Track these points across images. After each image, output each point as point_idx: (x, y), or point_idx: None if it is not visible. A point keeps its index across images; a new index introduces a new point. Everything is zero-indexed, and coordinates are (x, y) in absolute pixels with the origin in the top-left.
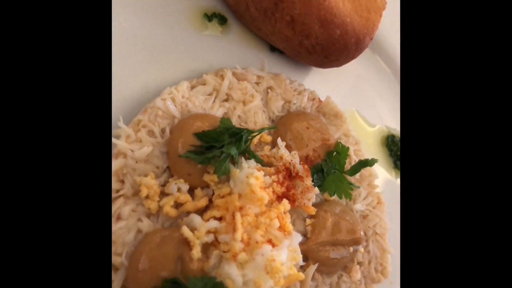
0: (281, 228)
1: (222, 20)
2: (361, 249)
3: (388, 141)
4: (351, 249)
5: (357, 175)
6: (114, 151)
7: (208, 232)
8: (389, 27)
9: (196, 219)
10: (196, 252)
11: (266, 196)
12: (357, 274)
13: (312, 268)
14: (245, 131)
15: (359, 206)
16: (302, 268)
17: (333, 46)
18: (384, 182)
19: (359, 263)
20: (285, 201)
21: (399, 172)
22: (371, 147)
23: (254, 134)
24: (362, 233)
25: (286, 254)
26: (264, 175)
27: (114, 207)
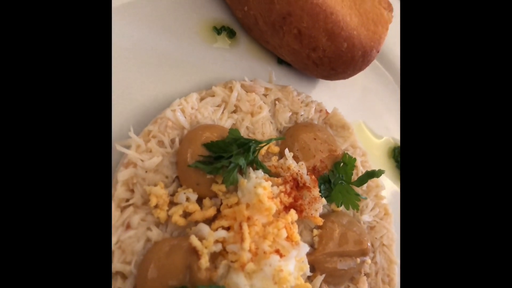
0: (289, 238)
1: (231, 33)
2: (368, 260)
3: (395, 153)
4: (358, 260)
5: (364, 186)
6: (124, 160)
7: (216, 241)
8: (395, 40)
9: (204, 228)
10: (205, 262)
11: (273, 206)
12: (364, 286)
13: (319, 279)
14: (253, 141)
15: (366, 217)
16: (309, 279)
17: (340, 59)
18: (391, 194)
19: (366, 275)
20: (292, 211)
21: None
22: (378, 158)
23: (262, 144)
24: (369, 244)
25: (294, 264)
26: (272, 186)
27: (124, 216)
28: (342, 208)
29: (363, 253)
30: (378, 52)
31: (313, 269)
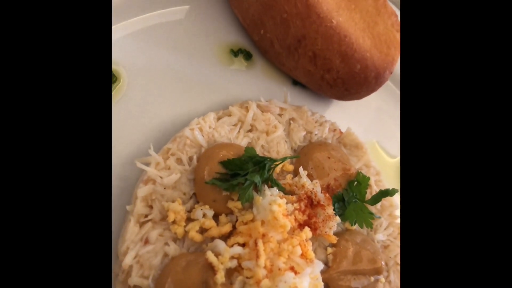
0: (303, 255)
1: (247, 56)
2: (382, 279)
3: None
4: (372, 278)
5: (378, 205)
6: (144, 177)
7: (232, 258)
8: None
9: (220, 244)
10: (220, 277)
11: (288, 223)
12: None
13: None
14: (268, 159)
15: (380, 236)
16: None
17: (354, 80)
18: None
19: None
20: (306, 228)
21: None
22: (392, 178)
23: (277, 162)
24: (383, 263)
25: (308, 281)
26: (286, 203)
27: (142, 231)
28: (356, 226)
29: (377, 271)
30: (391, 73)
31: (327, 287)
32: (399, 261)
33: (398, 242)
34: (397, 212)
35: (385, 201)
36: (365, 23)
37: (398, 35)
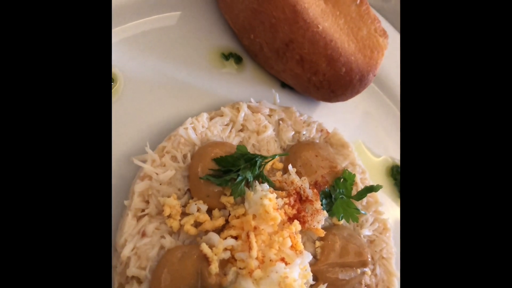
0: (293, 247)
1: (238, 60)
2: (368, 271)
3: (393, 171)
4: (359, 271)
5: (364, 202)
6: (140, 174)
7: (225, 249)
8: (391, 65)
9: (214, 237)
10: (214, 267)
11: (278, 216)
12: None
13: (322, 287)
14: (259, 157)
15: (366, 231)
16: None
17: (339, 82)
18: (389, 210)
19: (367, 286)
20: (296, 222)
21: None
22: (377, 176)
23: (267, 160)
24: (369, 257)
25: (298, 272)
26: (276, 198)
27: (140, 225)
28: (343, 222)
29: (363, 264)
30: (374, 75)
31: (316, 278)
32: (384, 255)
33: (383, 237)
34: (382, 209)
35: (371, 198)
36: (349, 28)
37: (381, 40)
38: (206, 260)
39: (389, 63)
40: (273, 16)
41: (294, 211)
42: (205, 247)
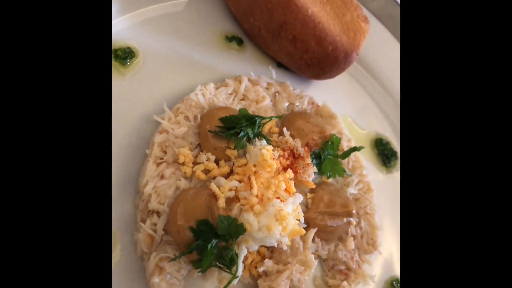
0: (287, 190)
1: (240, 42)
2: (353, 221)
3: (377, 143)
4: (345, 220)
5: (350, 166)
6: (159, 129)
7: (230, 189)
8: (374, 49)
9: (221, 180)
10: (222, 203)
11: (274, 163)
12: (351, 244)
13: (312, 231)
14: (258, 117)
15: (352, 190)
16: (305, 235)
17: (327, 59)
18: (373, 177)
19: (353, 236)
20: (289, 170)
21: (384, 169)
22: (361, 144)
23: (265, 120)
24: (354, 211)
25: (291, 208)
26: (273, 150)
27: (159, 169)
28: (331, 180)
29: (348, 214)
30: (357, 54)
31: (307, 225)
32: (368, 211)
33: (367, 195)
34: (366, 172)
35: (356, 163)
36: (335, 14)
37: (363, 24)
38: (214, 197)
39: (372, 47)
40: (269, 1)
41: (288, 162)
42: (213, 186)
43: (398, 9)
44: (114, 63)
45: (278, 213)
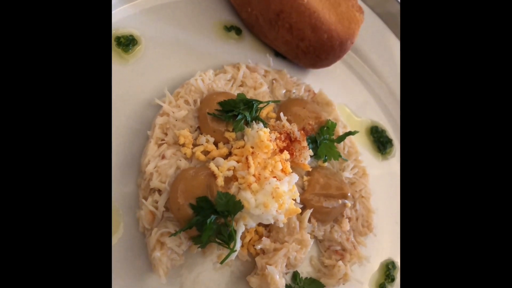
0: (283, 170)
1: (238, 31)
2: (348, 203)
3: (372, 130)
4: (340, 201)
5: (346, 151)
6: (160, 111)
7: (229, 169)
8: (368, 39)
9: (220, 160)
10: (220, 181)
11: (271, 144)
12: (346, 225)
13: (308, 212)
14: (256, 101)
15: (347, 174)
16: (301, 215)
17: (322, 47)
18: (369, 163)
19: (348, 218)
20: (285, 151)
21: (380, 155)
22: (357, 134)
23: (263, 104)
24: (349, 194)
25: (287, 187)
26: (270, 133)
27: (160, 150)
28: (327, 164)
29: (344, 196)
30: (352, 43)
31: (303, 206)
32: (363, 194)
33: (362, 180)
34: (361, 158)
35: (351, 148)
36: (330, 4)
37: (357, 14)
38: (213, 176)
39: (368, 37)
40: None
41: (284, 144)
42: (212, 166)
43: (394, 3)
44: (117, 50)
45: (275, 191)
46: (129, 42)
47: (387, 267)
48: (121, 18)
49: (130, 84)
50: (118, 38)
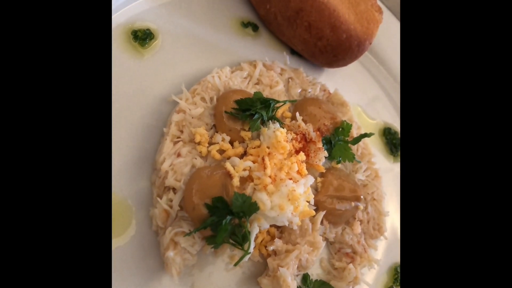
0: (299, 172)
1: (255, 27)
2: (360, 206)
3: (385, 132)
4: (353, 204)
5: (359, 153)
6: (176, 108)
7: (245, 169)
8: (387, 40)
9: (235, 160)
10: (236, 181)
11: (287, 145)
12: (358, 228)
13: (321, 214)
14: (272, 100)
15: (360, 176)
16: (314, 217)
17: (340, 47)
18: (381, 165)
19: (360, 221)
20: (301, 153)
21: (392, 157)
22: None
23: (279, 104)
24: (362, 197)
25: (303, 189)
26: (286, 133)
27: (176, 148)
28: (340, 165)
29: (357, 198)
30: (370, 43)
31: (316, 208)
32: (375, 197)
33: (375, 182)
34: (374, 159)
35: (365, 150)
36: (350, 3)
37: (376, 14)
38: (229, 176)
39: (385, 36)
40: None
41: (300, 145)
42: (228, 165)
43: None
44: (134, 44)
45: (291, 193)
46: (146, 36)
47: (396, 270)
48: (139, 11)
49: (146, 78)
50: (135, 32)
